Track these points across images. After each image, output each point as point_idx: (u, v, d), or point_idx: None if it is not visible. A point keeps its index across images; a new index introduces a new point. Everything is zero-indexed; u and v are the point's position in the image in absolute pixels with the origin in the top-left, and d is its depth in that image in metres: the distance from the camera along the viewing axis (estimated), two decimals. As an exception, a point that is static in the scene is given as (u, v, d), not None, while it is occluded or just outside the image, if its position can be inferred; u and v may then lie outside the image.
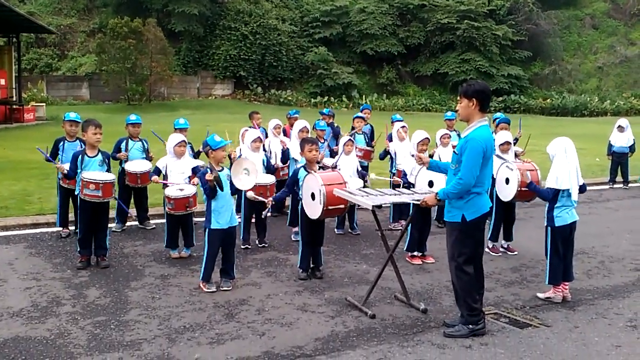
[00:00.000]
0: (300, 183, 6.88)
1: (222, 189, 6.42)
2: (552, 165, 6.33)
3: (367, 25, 43.25)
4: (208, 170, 6.43)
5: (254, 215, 8.30)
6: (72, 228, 8.48)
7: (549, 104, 42.05)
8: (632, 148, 13.55)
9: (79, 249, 7.26)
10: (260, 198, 7.55)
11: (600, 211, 11.07)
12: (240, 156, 8.23)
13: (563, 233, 6.33)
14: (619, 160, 13.56)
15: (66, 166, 7.54)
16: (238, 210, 8.71)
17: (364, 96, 41.81)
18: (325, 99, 40.92)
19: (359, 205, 6.57)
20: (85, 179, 7.03)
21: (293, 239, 8.39)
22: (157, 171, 7.93)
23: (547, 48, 46.39)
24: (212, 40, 42.05)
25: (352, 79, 42.34)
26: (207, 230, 6.50)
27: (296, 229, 7.83)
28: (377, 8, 44.06)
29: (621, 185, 13.54)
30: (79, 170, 7.18)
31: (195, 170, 7.60)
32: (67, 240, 8.30)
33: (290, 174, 7.83)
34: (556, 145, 6.36)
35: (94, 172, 7.16)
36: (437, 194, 5.52)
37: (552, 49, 46.61)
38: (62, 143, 8.33)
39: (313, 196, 6.51)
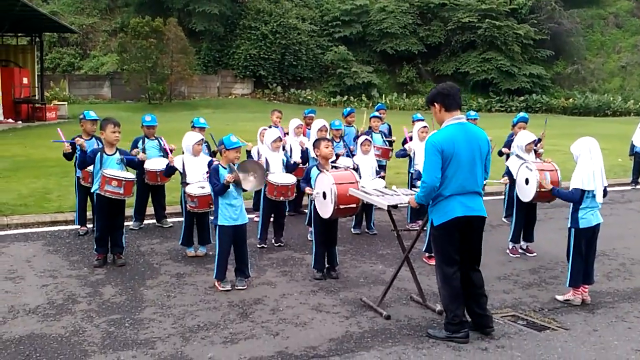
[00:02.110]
0: (312, 182, 6.85)
1: (241, 190, 6.44)
2: (576, 166, 6.20)
3: (387, 24, 43.14)
4: (219, 167, 6.48)
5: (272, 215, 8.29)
6: (90, 226, 8.52)
7: (571, 104, 41.64)
8: (656, 148, 13.31)
9: (95, 247, 7.30)
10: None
11: (622, 212, 10.89)
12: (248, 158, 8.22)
13: (587, 235, 6.21)
14: (641, 161, 13.33)
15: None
16: (257, 209, 8.72)
17: (383, 95, 41.69)
18: (345, 98, 40.91)
19: (376, 205, 6.49)
20: (107, 175, 7.07)
21: (309, 238, 8.35)
22: (171, 171, 7.94)
23: (569, 47, 45.92)
24: (232, 39, 42.26)
25: (371, 78, 42.26)
26: (216, 227, 6.51)
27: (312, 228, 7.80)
28: (397, 7, 43.94)
29: (644, 186, 13.32)
30: (97, 168, 7.22)
31: (210, 165, 7.62)
32: (85, 238, 8.35)
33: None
34: (580, 145, 6.22)
35: (115, 170, 7.21)
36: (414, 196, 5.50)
37: (574, 48, 46.12)
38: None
39: (325, 195, 6.47)
